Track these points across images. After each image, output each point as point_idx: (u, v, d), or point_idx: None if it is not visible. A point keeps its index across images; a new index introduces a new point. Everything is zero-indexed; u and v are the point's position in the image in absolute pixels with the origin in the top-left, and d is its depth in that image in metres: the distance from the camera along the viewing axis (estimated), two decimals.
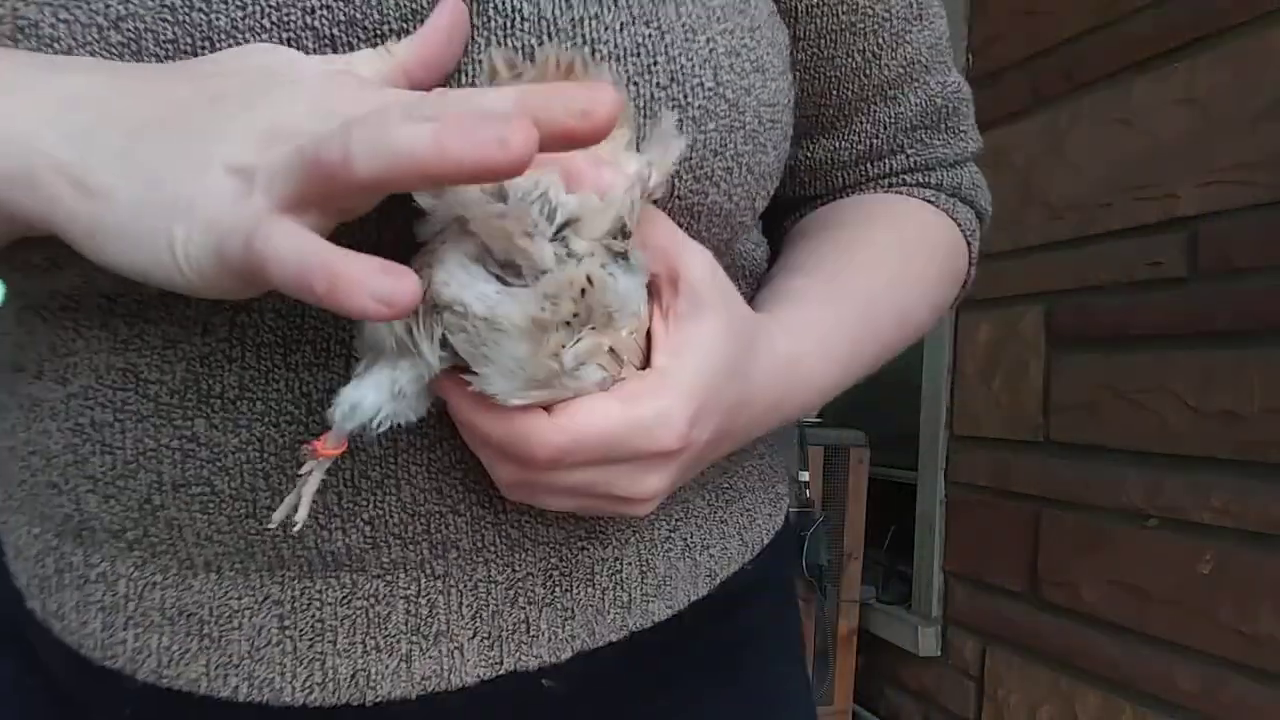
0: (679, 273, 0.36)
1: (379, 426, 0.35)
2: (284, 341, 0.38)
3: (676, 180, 0.38)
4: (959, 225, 0.58)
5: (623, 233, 0.33)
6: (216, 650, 0.40)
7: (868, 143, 0.56)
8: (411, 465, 0.39)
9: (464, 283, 0.32)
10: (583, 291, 0.32)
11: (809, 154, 0.58)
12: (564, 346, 0.32)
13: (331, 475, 0.38)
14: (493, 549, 0.42)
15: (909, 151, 0.57)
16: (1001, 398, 1.43)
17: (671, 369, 0.35)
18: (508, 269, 0.31)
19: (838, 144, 0.57)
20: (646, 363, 0.36)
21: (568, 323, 0.32)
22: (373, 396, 0.35)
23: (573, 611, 0.44)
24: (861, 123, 0.56)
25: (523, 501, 0.38)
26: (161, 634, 0.40)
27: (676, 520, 0.49)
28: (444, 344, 0.33)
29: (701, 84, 0.38)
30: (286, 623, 0.40)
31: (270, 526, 0.36)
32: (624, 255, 0.34)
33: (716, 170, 0.39)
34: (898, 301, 0.52)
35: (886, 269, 0.52)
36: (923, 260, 0.55)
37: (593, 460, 0.34)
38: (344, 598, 0.40)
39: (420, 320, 0.33)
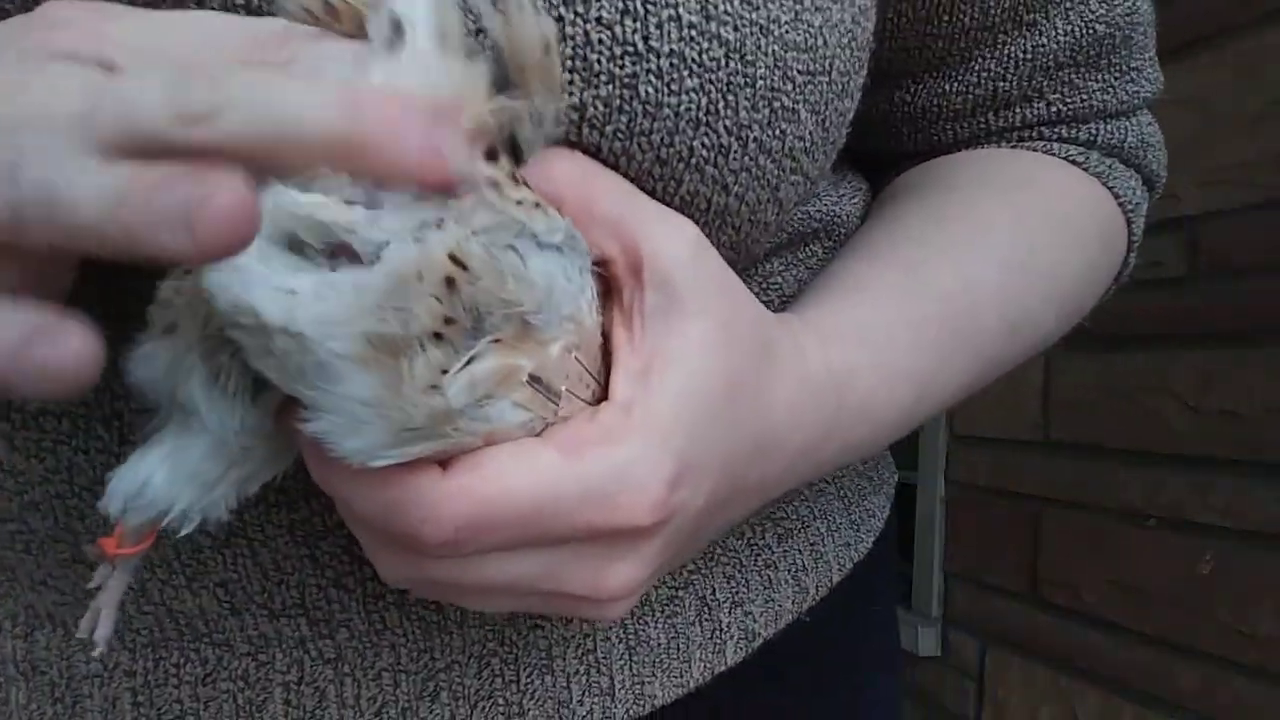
0: (640, 253, 0.24)
1: (181, 526, 0.24)
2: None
3: (615, 146, 0.25)
4: (1116, 196, 0.41)
5: (506, 175, 0.20)
6: (72, 719, 0.32)
7: (990, 86, 0.40)
8: (267, 525, 0.29)
9: (253, 274, 0.19)
10: (449, 281, 0.19)
11: (909, 99, 0.41)
12: (446, 372, 0.20)
13: None
14: (400, 630, 0.31)
15: (1050, 98, 0.40)
16: (1001, 397, 1.43)
17: (639, 401, 0.23)
18: (338, 255, 0.19)
19: (948, 87, 0.40)
20: (604, 394, 0.24)
21: (438, 335, 0.20)
22: (163, 478, 0.23)
23: (523, 708, 0.32)
24: (984, 59, 0.39)
25: (431, 599, 0.26)
26: (19, 688, 0.33)
27: (689, 572, 0.35)
28: (258, 389, 0.22)
29: (676, 15, 0.24)
30: (140, 698, 0.32)
31: (80, 637, 0.27)
32: (528, 217, 0.21)
33: (698, 150, 0.26)
34: (1011, 301, 0.36)
35: (997, 255, 0.36)
36: (1055, 244, 0.38)
37: (519, 542, 0.22)
38: (206, 675, 0.31)
39: (198, 349, 0.22)
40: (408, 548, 0.23)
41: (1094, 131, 0.42)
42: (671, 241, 0.25)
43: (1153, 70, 0.42)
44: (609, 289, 0.25)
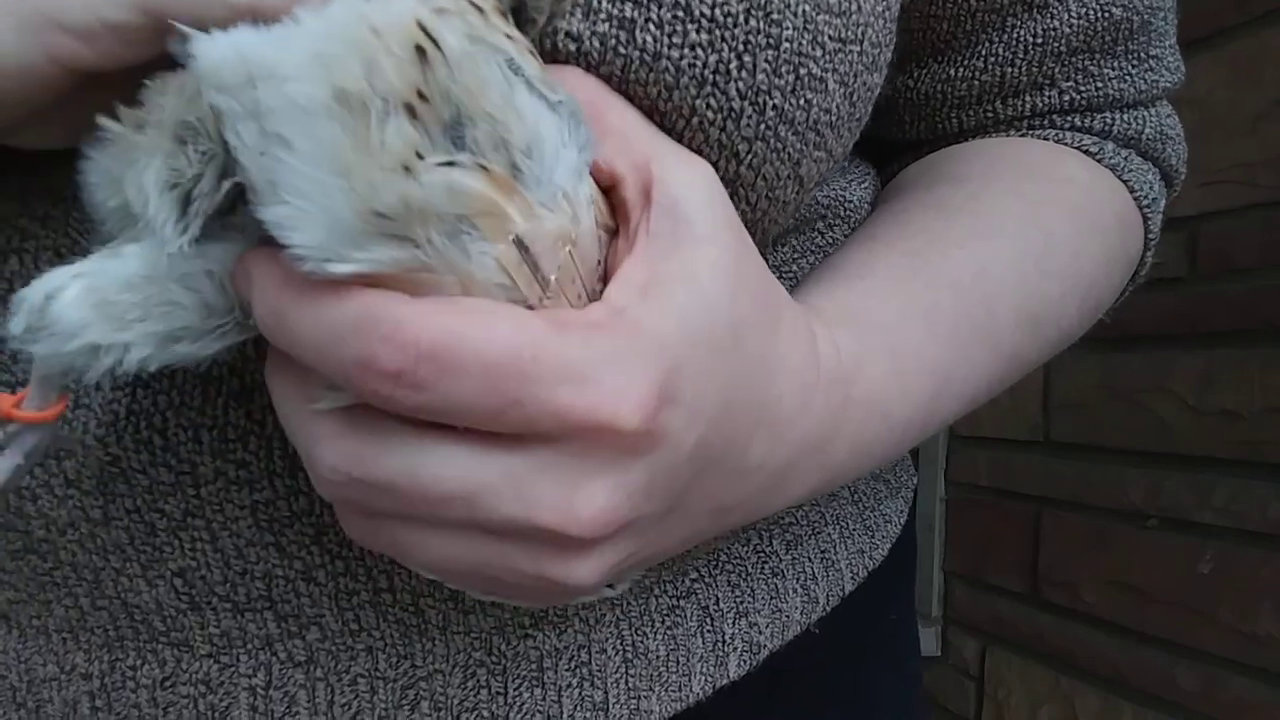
0: (652, 173, 0.22)
1: (87, 367, 0.21)
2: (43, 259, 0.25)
3: (620, 93, 0.23)
4: (1130, 189, 0.39)
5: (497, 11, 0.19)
6: None
7: (997, 72, 0.37)
8: (226, 505, 0.27)
9: (237, 32, 0.18)
10: (420, 52, 0.18)
11: (912, 84, 0.39)
12: (420, 156, 0.18)
13: (102, 494, 0.26)
14: (377, 633, 0.29)
15: (1063, 85, 0.38)
16: (1001, 397, 1.42)
17: (634, 308, 0.21)
18: None
19: (953, 72, 0.38)
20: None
21: (410, 108, 0.18)
22: (73, 295, 0.20)
23: None
24: (990, 43, 0.37)
25: (363, 539, 0.22)
26: None
27: (691, 581, 0.33)
28: (206, 232, 0.20)
29: None
30: (99, 702, 0.30)
31: None
32: (518, 53, 0.20)
33: (701, 110, 0.24)
34: (1029, 293, 0.34)
35: (1010, 245, 0.34)
36: (1072, 234, 0.36)
37: (485, 406, 0.19)
38: (165, 679, 0.29)
39: (164, 148, 0.20)
40: (351, 415, 0.20)
41: (1109, 121, 0.39)
42: (687, 170, 0.22)
43: (1174, 59, 0.40)
44: (615, 228, 0.23)
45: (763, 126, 0.25)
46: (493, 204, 0.19)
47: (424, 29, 0.18)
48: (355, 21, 0.18)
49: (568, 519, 0.20)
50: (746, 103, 0.24)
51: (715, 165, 0.25)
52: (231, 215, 0.21)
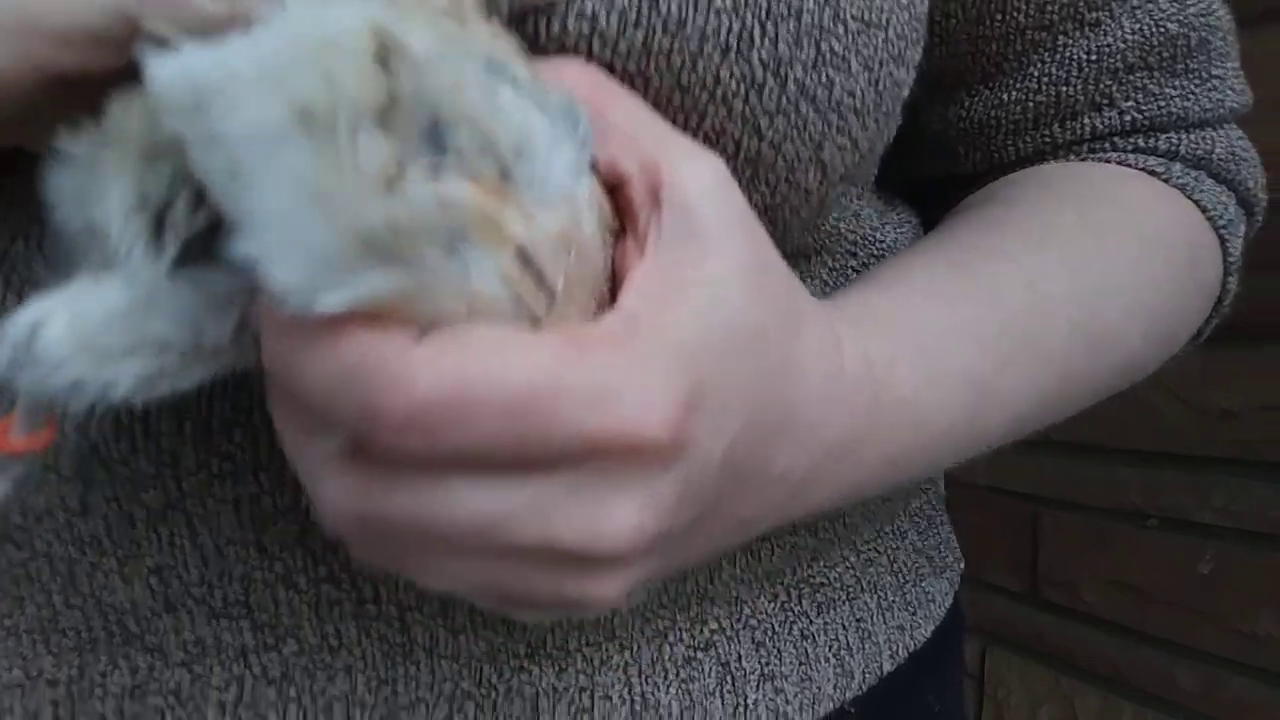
0: (661, 174, 0.21)
1: (71, 396, 0.20)
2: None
3: (630, 67, 0.23)
4: (1203, 209, 0.38)
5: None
6: None
7: (1052, 92, 0.36)
8: (208, 499, 0.26)
9: (199, 49, 0.17)
10: (380, 57, 0.17)
11: (964, 114, 0.38)
12: (401, 168, 0.17)
13: (81, 481, 0.26)
14: (358, 650, 0.28)
15: (1123, 105, 0.37)
16: None
17: (651, 316, 0.20)
18: None
19: (1006, 96, 0.37)
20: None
21: (381, 116, 0.17)
22: (61, 326, 0.19)
23: None
24: (1043, 62, 0.36)
25: (373, 561, 0.21)
26: None
27: (711, 631, 0.31)
28: (184, 255, 0.19)
29: None
30: (62, 712, 0.28)
31: None
32: (502, 53, 0.19)
33: (725, 79, 0.24)
34: (1086, 311, 0.32)
35: (1068, 263, 0.32)
36: (1136, 258, 0.34)
37: (503, 448, 0.18)
38: (134, 687, 0.28)
39: (132, 166, 0.19)
40: (360, 453, 0.18)
41: (1174, 142, 0.38)
42: (697, 165, 0.21)
43: (1238, 81, 0.39)
44: (621, 228, 0.22)
45: (784, 99, 0.25)
46: (487, 212, 0.18)
47: (383, 33, 0.17)
48: (304, 33, 0.16)
49: (594, 541, 0.19)
50: (769, 73, 0.24)
51: (737, 142, 0.25)
52: (216, 239, 0.19)
